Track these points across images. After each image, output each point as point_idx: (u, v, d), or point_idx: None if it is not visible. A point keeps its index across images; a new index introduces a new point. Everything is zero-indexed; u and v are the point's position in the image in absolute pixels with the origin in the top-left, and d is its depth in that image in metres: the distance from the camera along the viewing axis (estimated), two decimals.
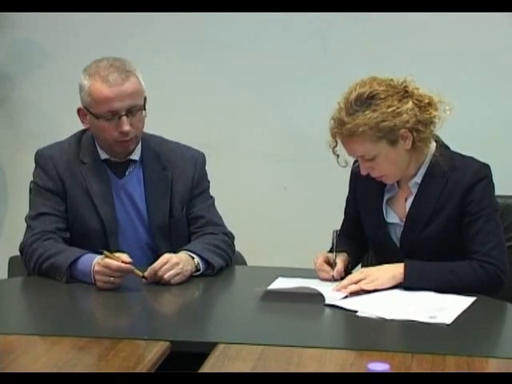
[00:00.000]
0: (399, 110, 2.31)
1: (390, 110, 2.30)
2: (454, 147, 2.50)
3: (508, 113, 3.56)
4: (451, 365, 1.82)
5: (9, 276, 2.69)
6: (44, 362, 1.85)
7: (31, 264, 2.49)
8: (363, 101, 2.31)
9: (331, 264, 2.43)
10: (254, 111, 3.67)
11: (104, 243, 2.54)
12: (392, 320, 2.09)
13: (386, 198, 2.48)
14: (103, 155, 2.60)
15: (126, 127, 2.49)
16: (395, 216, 2.47)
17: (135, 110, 2.50)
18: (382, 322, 2.10)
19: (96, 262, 2.36)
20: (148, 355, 1.87)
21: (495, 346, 1.97)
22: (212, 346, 1.91)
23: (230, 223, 2.72)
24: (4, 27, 3.71)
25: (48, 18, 3.68)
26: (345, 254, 2.48)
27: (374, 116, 2.29)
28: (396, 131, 2.32)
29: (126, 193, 2.62)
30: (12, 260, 2.65)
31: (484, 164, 2.44)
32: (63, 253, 2.44)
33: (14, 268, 2.63)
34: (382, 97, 2.31)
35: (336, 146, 2.41)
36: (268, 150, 3.67)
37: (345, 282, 2.31)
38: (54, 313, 2.24)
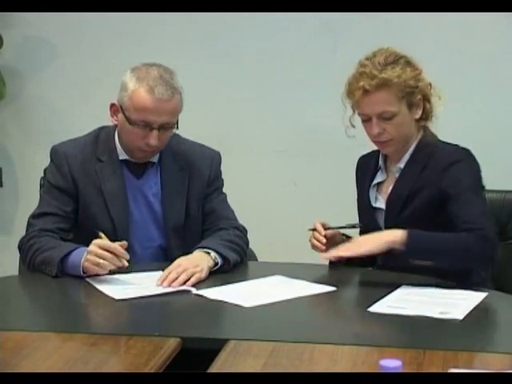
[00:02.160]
0: (421, 76, 2.44)
1: (414, 73, 2.42)
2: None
3: (508, 111, 3.54)
4: (463, 361, 1.79)
5: (20, 272, 2.68)
6: (55, 358, 1.84)
7: (27, 260, 2.48)
8: (391, 60, 2.42)
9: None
10: (264, 108, 3.66)
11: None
12: (404, 316, 2.08)
13: (373, 183, 2.55)
14: (122, 155, 2.58)
15: (153, 141, 2.47)
16: (382, 201, 2.52)
17: (168, 126, 2.49)
18: (393, 317, 2.08)
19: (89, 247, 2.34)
20: (159, 352, 1.86)
21: (508, 342, 1.95)
22: (223, 342, 1.90)
23: (240, 219, 2.71)
24: (14, 25, 3.71)
25: (57, 17, 3.67)
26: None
27: (405, 73, 2.40)
28: (416, 95, 2.43)
29: (142, 194, 2.60)
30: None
31: (462, 148, 2.48)
32: (57, 247, 2.43)
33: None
34: (407, 60, 2.44)
35: (356, 102, 2.43)
36: (278, 146, 3.67)
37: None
38: (65, 309, 2.23)
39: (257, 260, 2.79)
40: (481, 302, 2.17)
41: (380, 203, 2.54)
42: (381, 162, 2.56)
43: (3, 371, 1.75)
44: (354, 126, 2.51)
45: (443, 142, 2.51)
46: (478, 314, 2.11)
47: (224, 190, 2.74)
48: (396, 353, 1.82)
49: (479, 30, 3.49)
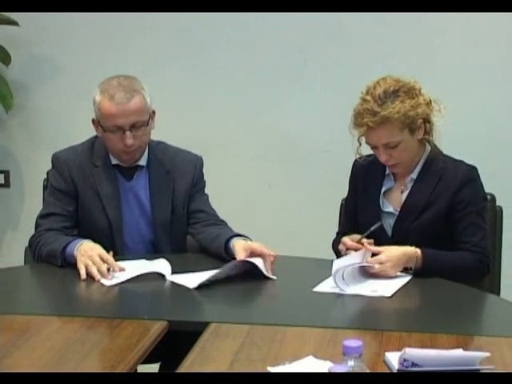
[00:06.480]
0: (418, 102, 2.47)
1: (413, 101, 2.45)
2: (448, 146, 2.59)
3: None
4: (416, 340, 1.87)
5: (25, 263, 2.73)
6: (56, 339, 1.90)
7: (35, 255, 2.56)
8: (390, 94, 2.44)
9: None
10: (241, 116, 3.65)
11: (110, 240, 2.61)
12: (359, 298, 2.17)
13: (383, 189, 2.60)
14: (114, 160, 2.66)
15: (129, 141, 2.53)
16: (390, 206, 2.58)
17: (139, 125, 2.55)
18: (357, 302, 2.17)
19: (84, 246, 2.41)
20: (148, 333, 1.92)
21: (455, 324, 2.01)
22: (205, 324, 1.96)
23: None
24: (21, 44, 3.74)
25: (60, 36, 3.71)
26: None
27: (404, 106, 2.43)
28: (416, 121, 2.46)
29: (133, 194, 2.67)
30: (28, 249, 2.69)
31: (472, 167, 2.56)
32: (57, 241, 2.50)
33: (29, 256, 2.66)
34: (405, 90, 2.46)
35: (361, 135, 2.48)
36: (254, 151, 3.67)
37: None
38: (65, 295, 2.29)
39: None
40: (432, 289, 2.28)
41: (387, 208, 2.58)
42: (389, 170, 2.60)
43: (10, 350, 1.80)
44: (361, 155, 2.58)
45: (448, 156, 2.57)
46: (429, 299, 2.22)
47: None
48: (358, 333, 1.90)
49: (448, 39, 3.48)
